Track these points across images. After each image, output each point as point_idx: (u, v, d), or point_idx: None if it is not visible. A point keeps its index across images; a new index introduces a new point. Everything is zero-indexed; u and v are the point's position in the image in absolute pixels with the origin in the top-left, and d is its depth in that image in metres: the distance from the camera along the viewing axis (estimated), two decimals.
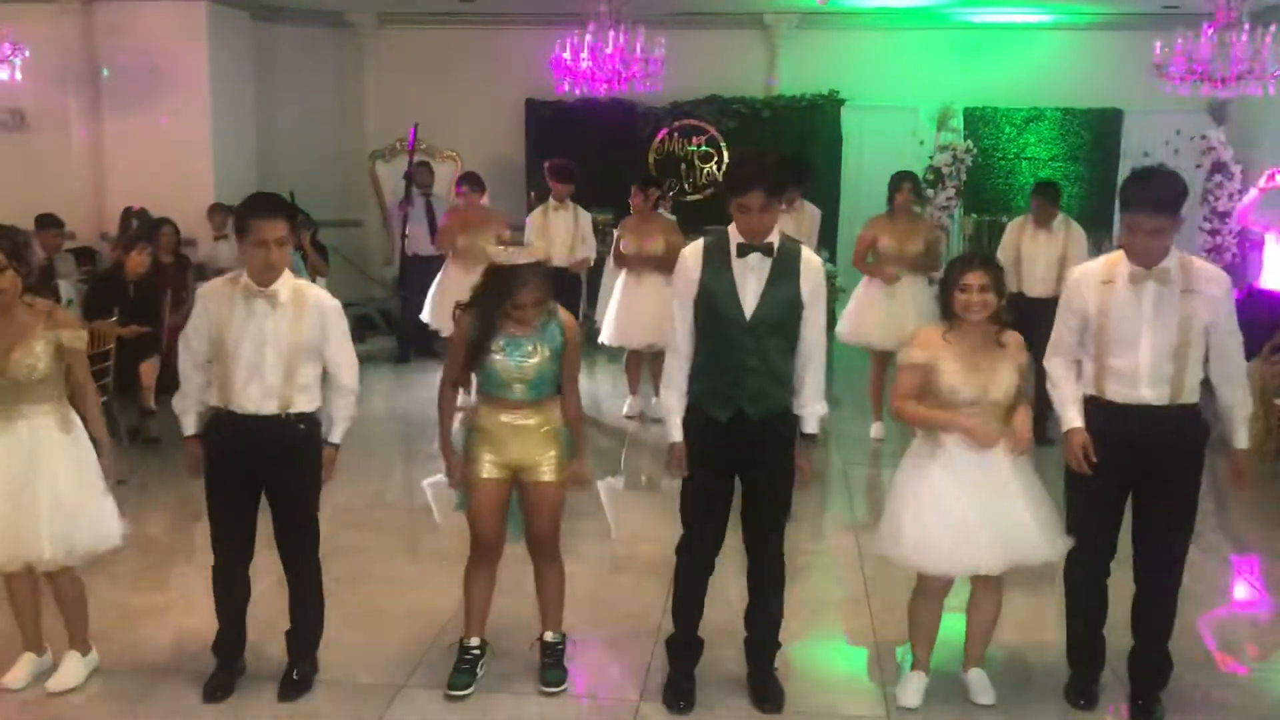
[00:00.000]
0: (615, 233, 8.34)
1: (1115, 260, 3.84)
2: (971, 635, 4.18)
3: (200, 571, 5.05)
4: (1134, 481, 3.90)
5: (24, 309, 3.96)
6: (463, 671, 4.16)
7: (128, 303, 7.84)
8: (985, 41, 12.26)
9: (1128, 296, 3.78)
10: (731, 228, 3.90)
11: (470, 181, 8.79)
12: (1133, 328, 3.77)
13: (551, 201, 8.70)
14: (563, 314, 4.06)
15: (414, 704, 4.10)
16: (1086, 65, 11.96)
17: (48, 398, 3.98)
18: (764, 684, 4.11)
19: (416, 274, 10.28)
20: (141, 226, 9.32)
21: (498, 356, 3.93)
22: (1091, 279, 3.87)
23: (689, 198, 12.07)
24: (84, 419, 4.09)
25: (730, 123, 12.20)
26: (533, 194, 11.69)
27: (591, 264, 8.96)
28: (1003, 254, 7.80)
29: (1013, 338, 3.97)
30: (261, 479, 4.00)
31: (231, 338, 3.88)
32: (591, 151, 11.30)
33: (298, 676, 4.14)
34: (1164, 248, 3.74)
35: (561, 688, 4.15)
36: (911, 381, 3.98)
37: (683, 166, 12.23)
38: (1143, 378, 3.77)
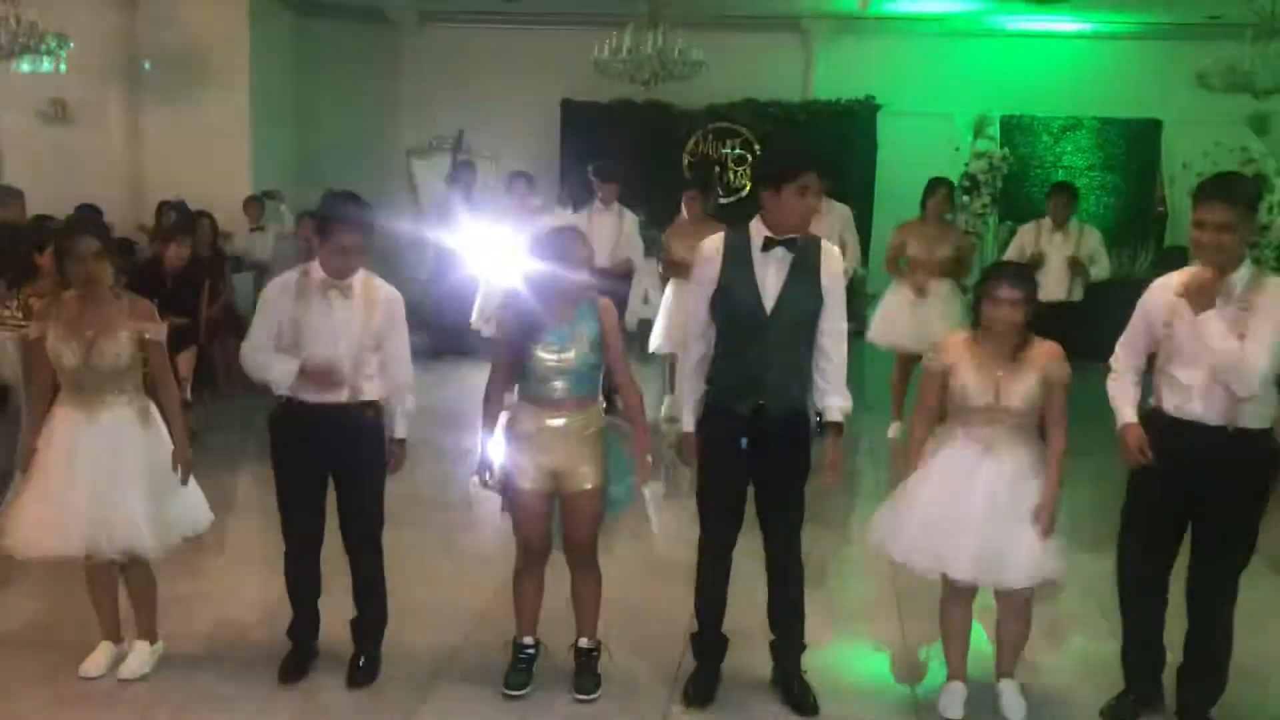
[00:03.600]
0: (663, 238, 8.26)
1: (1194, 272, 3.73)
2: (999, 646, 4.14)
3: (234, 561, 5.08)
4: (1190, 500, 3.81)
5: (110, 300, 4.02)
6: (519, 671, 4.15)
7: (165, 294, 7.88)
8: (1023, 49, 12.21)
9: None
10: (754, 224, 3.90)
11: (527, 180, 8.79)
12: (1194, 343, 3.68)
13: (597, 204, 8.67)
14: (599, 299, 4.00)
15: (446, 699, 4.11)
16: (1125, 75, 11.88)
17: (127, 389, 4.03)
18: (794, 686, 4.10)
19: (452, 271, 10.32)
20: (180, 219, 9.40)
21: (540, 351, 3.88)
22: (1167, 288, 3.78)
23: (721, 201, 12.08)
24: (162, 412, 4.13)
25: (765, 126, 12.20)
26: (563, 190, 11.71)
27: (636, 267, 8.73)
28: (1016, 255, 8.01)
29: (1043, 349, 3.91)
30: (329, 465, 4.06)
31: (305, 329, 3.94)
32: (627, 153, 11.32)
33: (364, 663, 4.19)
34: (1227, 248, 3.63)
35: (595, 695, 4.13)
36: (932, 388, 4.01)
37: (716, 169, 12.23)
38: (1197, 393, 3.72)
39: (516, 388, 4.03)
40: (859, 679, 4.49)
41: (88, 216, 4.07)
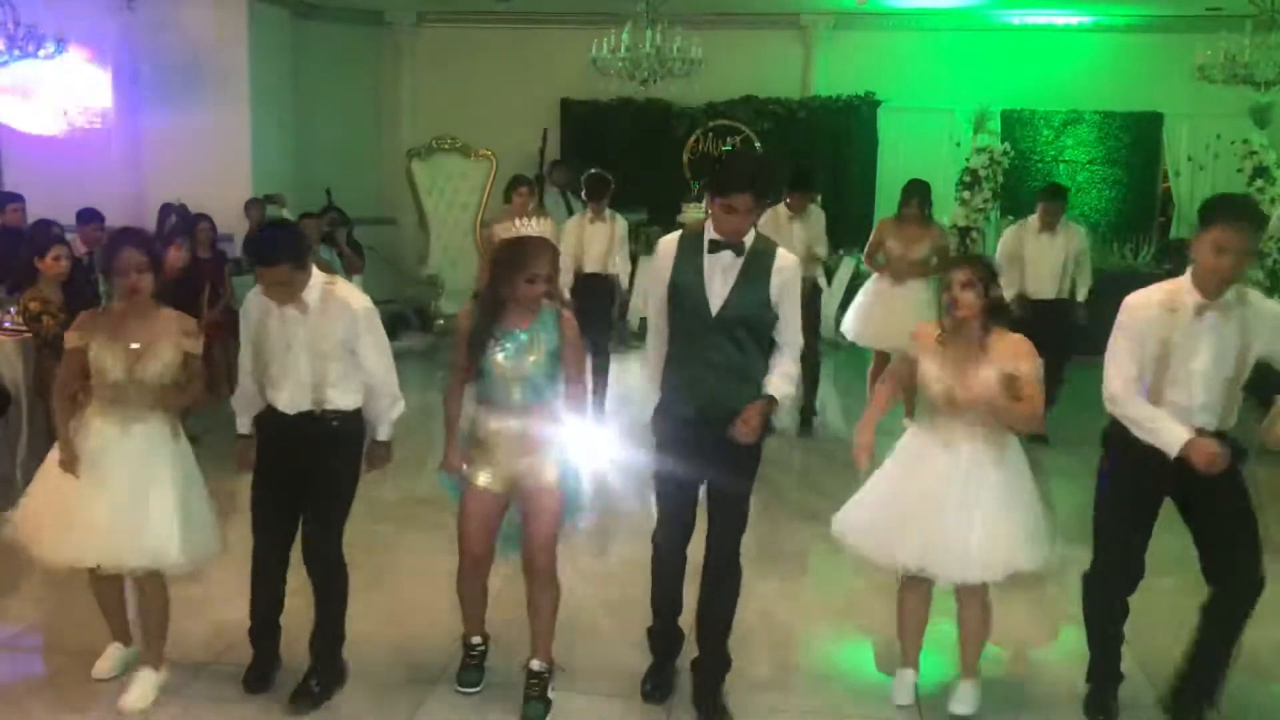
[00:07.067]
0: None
1: (1176, 288, 3.69)
2: (960, 644, 4.11)
3: (237, 565, 5.07)
4: (1180, 505, 3.84)
5: (155, 314, 4.00)
6: (470, 669, 4.19)
7: (165, 297, 7.87)
8: (1023, 43, 12.18)
9: (1191, 328, 3.63)
10: (708, 223, 3.84)
11: (526, 183, 8.68)
12: (1191, 361, 3.64)
13: (589, 213, 8.64)
14: (562, 311, 3.96)
15: (447, 701, 4.10)
16: (1126, 68, 11.86)
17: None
18: (712, 706, 3.95)
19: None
20: (179, 222, 9.39)
21: (497, 355, 3.83)
22: (1151, 306, 3.69)
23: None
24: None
25: (765, 123, 12.19)
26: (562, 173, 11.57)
27: (619, 272, 8.48)
28: (1002, 257, 8.01)
29: (1009, 342, 3.85)
30: (298, 474, 3.99)
31: (268, 344, 3.94)
32: (626, 151, 11.32)
33: (317, 686, 4.04)
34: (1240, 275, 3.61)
35: None
36: (902, 371, 4.10)
37: (716, 167, 12.19)
38: (1195, 411, 3.67)
39: (476, 390, 3.98)
40: (844, 670, 4.51)
41: (132, 230, 4.07)
